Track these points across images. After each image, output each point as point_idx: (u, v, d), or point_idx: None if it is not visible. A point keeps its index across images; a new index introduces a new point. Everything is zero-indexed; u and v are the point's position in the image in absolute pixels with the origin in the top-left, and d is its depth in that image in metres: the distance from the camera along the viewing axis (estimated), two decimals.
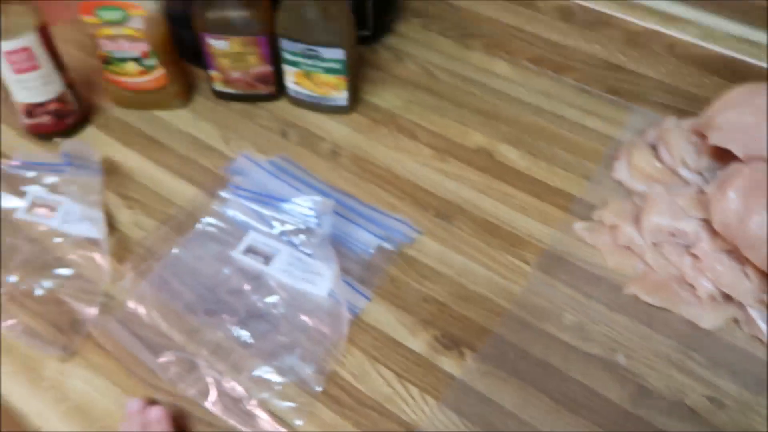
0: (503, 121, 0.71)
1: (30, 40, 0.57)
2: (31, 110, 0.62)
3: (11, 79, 0.59)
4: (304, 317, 0.52)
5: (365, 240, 0.58)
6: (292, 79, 0.68)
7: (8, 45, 0.56)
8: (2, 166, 0.61)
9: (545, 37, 0.75)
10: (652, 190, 0.58)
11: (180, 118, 0.70)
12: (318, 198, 0.57)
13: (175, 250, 0.56)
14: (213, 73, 0.68)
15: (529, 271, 0.57)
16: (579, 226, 0.60)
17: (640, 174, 0.62)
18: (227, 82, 0.69)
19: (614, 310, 0.54)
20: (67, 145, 0.60)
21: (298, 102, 0.71)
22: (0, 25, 0.56)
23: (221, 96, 0.71)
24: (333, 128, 0.69)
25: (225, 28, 0.63)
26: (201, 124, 0.69)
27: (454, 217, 0.61)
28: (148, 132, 0.68)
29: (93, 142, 0.66)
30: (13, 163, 0.62)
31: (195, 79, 0.74)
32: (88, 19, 0.60)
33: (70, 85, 0.64)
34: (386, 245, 0.58)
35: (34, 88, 0.60)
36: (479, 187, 0.64)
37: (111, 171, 0.63)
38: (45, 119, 0.63)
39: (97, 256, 0.55)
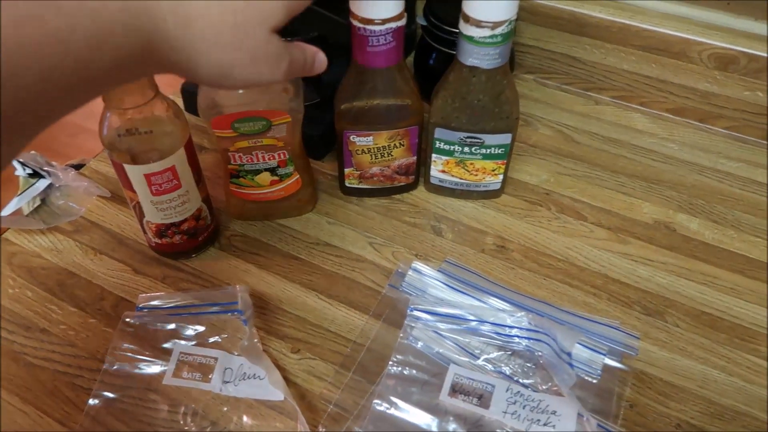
0: (666, 184, 0.64)
1: (176, 158, 0.47)
2: (163, 231, 0.52)
3: (145, 200, 0.49)
4: None
5: (584, 357, 0.49)
6: (438, 168, 0.59)
7: (152, 167, 0.46)
8: (132, 320, 0.51)
9: (690, 86, 0.68)
10: None
11: (311, 225, 0.60)
12: (521, 315, 0.49)
13: (377, 405, 0.47)
14: (348, 170, 0.59)
15: None
16: None
17: None
18: (363, 178, 0.60)
19: None
20: (240, 290, 0.51)
21: (440, 190, 0.62)
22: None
23: (350, 192, 0.62)
24: (488, 217, 0.61)
25: (372, 123, 0.54)
26: (337, 229, 0.60)
27: (665, 312, 0.53)
28: (282, 247, 0.58)
29: (223, 265, 0.56)
30: (139, 313, 0.51)
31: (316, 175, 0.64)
32: (221, 133, 0.50)
33: (206, 199, 0.54)
34: (611, 361, 0.49)
35: (170, 208, 0.50)
36: (674, 270, 0.56)
37: (257, 304, 0.53)
38: (176, 239, 0.53)
39: (286, 426, 0.45)
